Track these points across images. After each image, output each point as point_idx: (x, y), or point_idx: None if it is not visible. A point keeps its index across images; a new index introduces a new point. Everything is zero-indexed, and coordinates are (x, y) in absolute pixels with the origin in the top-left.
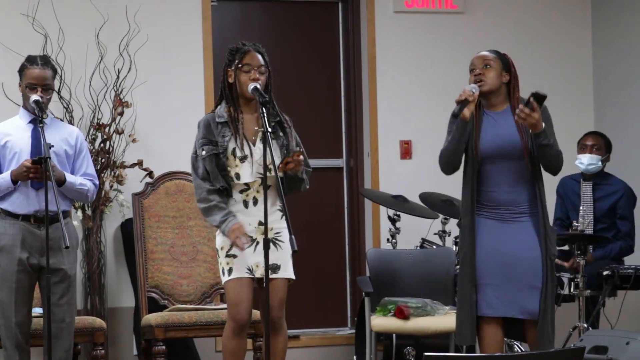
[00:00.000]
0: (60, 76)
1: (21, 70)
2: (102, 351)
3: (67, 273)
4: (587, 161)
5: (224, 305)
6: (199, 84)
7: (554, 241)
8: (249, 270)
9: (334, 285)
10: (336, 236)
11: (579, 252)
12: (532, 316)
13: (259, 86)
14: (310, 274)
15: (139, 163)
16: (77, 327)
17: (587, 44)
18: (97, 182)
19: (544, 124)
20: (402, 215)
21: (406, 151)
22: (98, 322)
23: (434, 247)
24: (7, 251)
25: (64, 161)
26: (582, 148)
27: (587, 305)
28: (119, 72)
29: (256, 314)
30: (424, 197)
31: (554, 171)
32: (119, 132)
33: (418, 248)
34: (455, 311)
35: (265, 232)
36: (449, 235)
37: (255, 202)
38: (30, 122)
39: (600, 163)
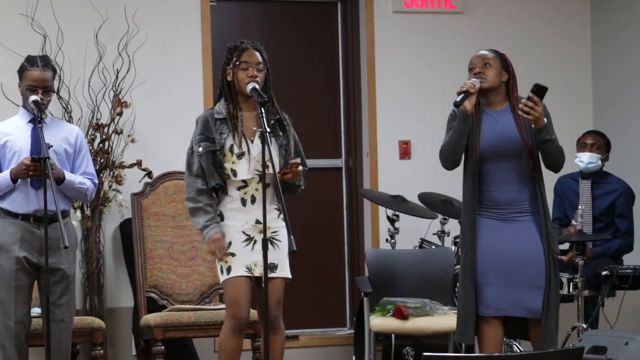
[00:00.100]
0: (59, 76)
1: (21, 71)
2: (101, 351)
3: (66, 273)
4: (587, 160)
5: (223, 306)
6: (198, 84)
7: (556, 239)
8: (248, 268)
9: (333, 285)
10: (335, 236)
11: (577, 252)
12: (535, 315)
13: (257, 86)
14: (309, 274)
15: (138, 163)
16: (76, 327)
17: (586, 43)
18: (97, 181)
19: (545, 119)
20: (401, 215)
21: (405, 151)
22: (97, 322)
23: (433, 247)
24: (6, 250)
25: (64, 160)
26: (582, 147)
27: (586, 305)
28: (118, 72)
29: (254, 313)
30: (423, 197)
31: (556, 168)
32: (118, 132)
33: (417, 248)
34: (454, 311)
35: (264, 232)
36: (448, 236)
37: (254, 200)
38: (30, 121)
39: (599, 162)
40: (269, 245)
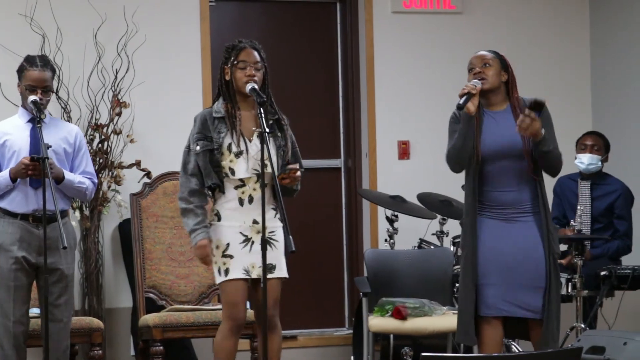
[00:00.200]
0: (58, 76)
1: (20, 71)
2: (100, 351)
3: (65, 273)
4: (587, 161)
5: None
6: (197, 84)
7: (557, 240)
8: (245, 271)
9: (332, 285)
10: (334, 236)
11: (576, 253)
12: (535, 315)
13: (256, 86)
14: (307, 274)
15: (137, 163)
16: (74, 327)
17: (585, 44)
18: (96, 181)
19: (543, 130)
20: (400, 215)
21: (404, 151)
22: (95, 322)
23: (432, 247)
24: (5, 249)
25: (63, 159)
26: (582, 148)
27: (584, 305)
28: (117, 73)
29: (250, 314)
30: (422, 197)
31: (553, 173)
32: (117, 133)
33: (416, 248)
34: (453, 311)
35: (263, 233)
36: (447, 236)
37: (251, 200)
38: (29, 121)
39: (600, 163)
40: (267, 247)
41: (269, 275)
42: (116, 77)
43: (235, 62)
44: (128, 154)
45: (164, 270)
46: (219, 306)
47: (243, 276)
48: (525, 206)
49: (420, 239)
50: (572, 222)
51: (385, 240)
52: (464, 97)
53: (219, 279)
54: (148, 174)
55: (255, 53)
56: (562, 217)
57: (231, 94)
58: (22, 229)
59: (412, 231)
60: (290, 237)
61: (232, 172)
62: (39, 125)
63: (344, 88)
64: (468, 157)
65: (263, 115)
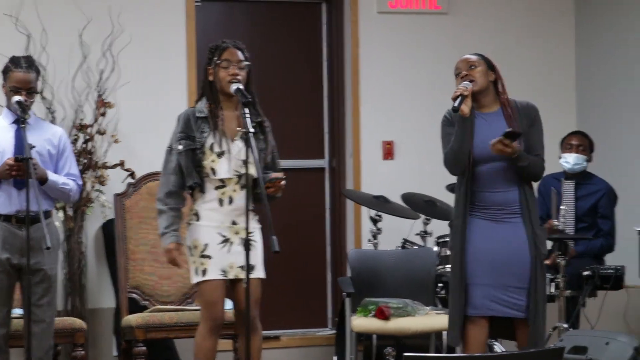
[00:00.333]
0: (43, 76)
1: (5, 72)
2: (82, 352)
3: (48, 273)
4: (573, 161)
5: None
6: (182, 84)
7: (544, 241)
8: (223, 271)
9: (315, 285)
10: (318, 236)
11: (559, 252)
12: (521, 314)
13: (241, 86)
14: (291, 274)
15: (121, 164)
16: (57, 327)
17: (571, 44)
18: (81, 182)
19: (519, 147)
20: (384, 215)
21: (389, 152)
22: (78, 322)
23: (416, 247)
24: None
25: (47, 161)
26: (567, 147)
27: (567, 305)
28: (101, 73)
29: (229, 314)
30: (406, 197)
31: (534, 180)
32: (101, 133)
33: (399, 249)
34: (436, 311)
35: (247, 233)
36: (431, 236)
37: (231, 201)
38: (14, 122)
39: (585, 163)
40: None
41: (249, 276)
42: (101, 78)
43: (219, 61)
44: (112, 154)
45: (147, 271)
46: None
47: (221, 276)
48: (514, 207)
49: (403, 239)
50: (555, 222)
51: (369, 240)
52: (458, 99)
53: (196, 279)
54: (132, 174)
55: (239, 52)
56: (545, 216)
57: (214, 94)
58: (5, 230)
59: (396, 231)
60: (274, 237)
61: (214, 172)
62: (23, 126)
63: (329, 88)
64: (466, 158)
65: (248, 115)
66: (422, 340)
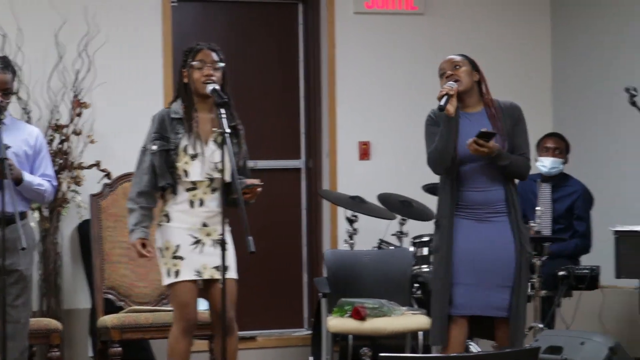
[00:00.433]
0: (19, 77)
1: None
2: (58, 353)
3: (23, 274)
4: (549, 164)
5: None
6: (158, 84)
7: (528, 240)
8: (197, 272)
9: (291, 286)
10: (294, 237)
11: (535, 253)
12: (503, 313)
13: (217, 87)
14: (267, 274)
15: (97, 164)
16: (32, 328)
17: (547, 46)
18: (56, 183)
19: (497, 146)
20: (360, 216)
21: (365, 152)
22: (54, 323)
23: (392, 248)
24: None
25: (24, 162)
26: (544, 150)
27: (542, 305)
28: (77, 73)
29: (203, 315)
30: (382, 198)
31: (520, 179)
32: (77, 133)
33: (376, 249)
34: (412, 312)
35: (223, 233)
36: (407, 236)
37: (201, 203)
38: None
39: (561, 166)
40: (218, 248)
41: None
42: (77, 78)
43: (193, 63)
44: (88, 155)
45: (123, 271)
46: None
47: (194, 277)
48: (498, 206)
49: (380, 239)
50: (531, 223)
51: (345, 240)
52: (444, 99)
53: (169, 281)
54: (108, 175)
55: (213, 54)
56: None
57: (189, 97)
58: None
59: (372, 232)
60: (250, 237)
61: (186, 174)
62: None
63: (305, 88)
64: (450, 158)
65: (224, 115)
66: (398, 340)
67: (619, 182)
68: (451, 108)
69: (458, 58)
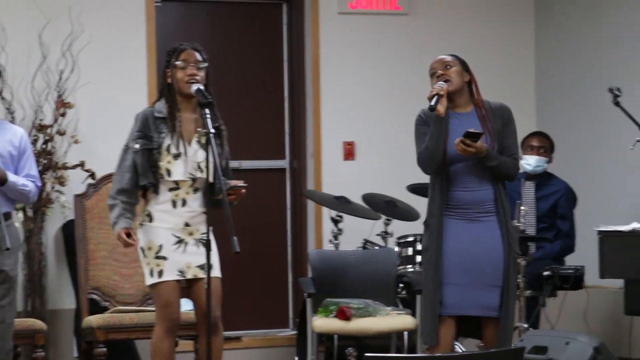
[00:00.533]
0: (2, 76)
1: None
2: (43, 353)
3: (9, 274)
4: (534, 163)
5: None
6: (142, 85)
7: (517, 240)
8: (180, 272)
9: (276, 286)
10: (279, 237)
11: (520, 253)
12: (492, 313)
13: (202, 87)
14: (252, 275)
15: (81, 164)
16: (17, 329)
17: (530, 46)
18: (40, 184)
19: (486, 147)
20: (345, 216)
21: (349, 152)
22: (38, 324)
23: (377, 248)
24: None
25: (8, 162)
26: (528, 149)
27: (527, 305)
28: (61, 73)
29: (187, 315)
30: (366, 198)
31: (509, 180)
32: (61, 133)
33: (360, 249)
34: (397, 312)
35: (208, 233)
36: (392, 236)
37: (184, 203)
38: None
39: (546, 165)
40: (201, 247)
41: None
42: (61, 78)
43: (176, 62)
44: (72, 155)
45: (108, 272)
46: None
47: (177, 277)
48: (488, 206)
49: (364, 239)
50: (515, 222)
51: (330, 240)
52: (434, 99)
53: (152, 280)
54: (92, 175)
55: (196, 53)
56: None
57: (172, 97)
58: None
59: (357, 232)
60: (235, 237)
61: (169, 173)
62: None
63: (290, 88)
64: (441, 157)
65: (208, 115)
66: (383, 340)
67: (603, 182)
68: (441, 108)
69: (449, 58)
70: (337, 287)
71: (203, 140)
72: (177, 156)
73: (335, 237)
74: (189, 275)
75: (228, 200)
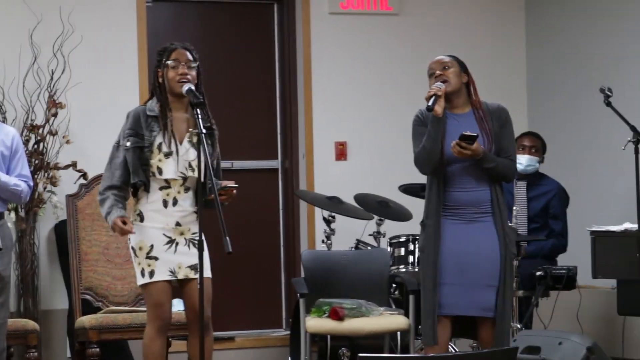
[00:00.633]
0: None
1: None
2: (35, 353)
3: (1, 275)
4: (526, 162)
5: None
6: (134, 84)
7: (514, 241)
8: (171, 272)
9: (269, 286)
10: (271, 237)
11: (516, 253)
12: (488, 313)
13: (192, 87)
14: (245, 275)
15: (73, 164)
16: (9, 329)
17: (521, 45)
18: (32, 184)
19: (482, 149)
20: (337, 216)
21: (341, 152)
22: (31, 324)
23: (369, 248)
24: None
25: (0, 162)
26: (520, 148)
27: (520, 305)
28: (52, 73)
29: (179, 315)
30: (359, 198)
31: (505, 181)
32: (53, 134)
33: (353, 249)
34: (390, 312)
35: (200, 234)
36: (384, 237)
37: (175, 202)
38: None
39: (537, 164)
40: (192, 247)
41: (197, 275)
42: (52, 78)
43: (167, 62)
44: (64, 155)
45: (100, 272)
46: None
47: (168, 277)
48: (484, 206)
49: (357, 239)
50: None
51: (323, 241)
52: (432, 99)
53: (143, 281)
54: (84, 175)
55: (187, 53)
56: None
57: (164, 96)
58: None
59: (349, 232)
60: (227, 238)
61: (160, 171)
62: None
63: (281, 89)
64: (438, 158)
65: (200, 116)
66: (376, 340)
67: (594, 182)
68: (439, 109)
69: (447, 59)
70: (330, 288)
71: (194, 139)
72: (168, 154)
73: (328, 238)
74: (180, 276)
75: (221, 200)
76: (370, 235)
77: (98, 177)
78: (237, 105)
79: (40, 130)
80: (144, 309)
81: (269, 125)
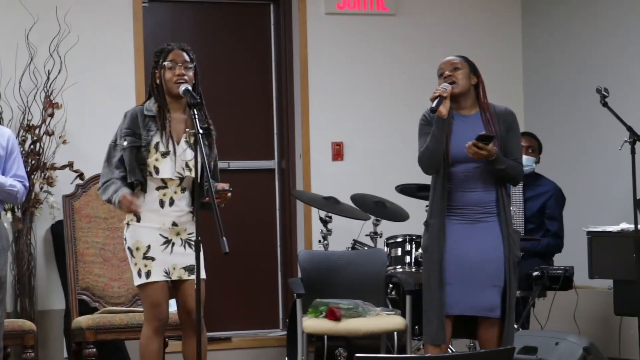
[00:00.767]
0: None
1: None
2: (32, 354)
3: None
4: (522, 162)
5: None
6: (130, 85)
7: (517, 242)
8: (166, 272)
9: (266, 286)
10: (268, 238)
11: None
12: (491, 313)
13: (189, 87)
14: (241, 275)
15: (70, 165)
16: (6, 329)
17: (518, 45)
18: (28, 184)
19: (496, 149)
20: (334, 216)
21: (338, 153)
22: (28, 324)
23: (366, 248)
24: None
25: None
26: None
27: (517, 305)
28: (49, 73)
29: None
30: (355, 198)
31: (513, 184)
32: (49, 134)
33: (350, 249)
34: (386, 312)
35: (197, 234)
36: (381, 237)
37: (172, 202)
38: None
39: (534, 165)
40: (188, 248)
41: (192, 277)
42: (48, 78)
43: (164, 63)
44: (60, 155)
45: (97, 272)
46: None
47: (164, 278)
48: (489, 207)
49: (354, 240)
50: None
51: (319, 241)
52: (437, 100)
53: (140, 281)
54: (81, 176)
55: (184, 54)
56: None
57: (161, 97)
58: None
59: (346, 232)
60: (224, 238)
61: (157, 171)
62: None
63: (278, 89)
64: (441, 158)
65: (197, 116)
66: (373, 341)
67: (591, 183)
68: (443, 110)
69: (457, 60)
70: (327, 288)
71: (192, 140)
72: (165, 154)
73: (325, 238)
74: (174, 277)
75: (217, 203)
76: (367, 235)
77: (95, 178)
78: (233, 106)
79: (37, 131)
80: (141, 309)
81: (266, 126)
